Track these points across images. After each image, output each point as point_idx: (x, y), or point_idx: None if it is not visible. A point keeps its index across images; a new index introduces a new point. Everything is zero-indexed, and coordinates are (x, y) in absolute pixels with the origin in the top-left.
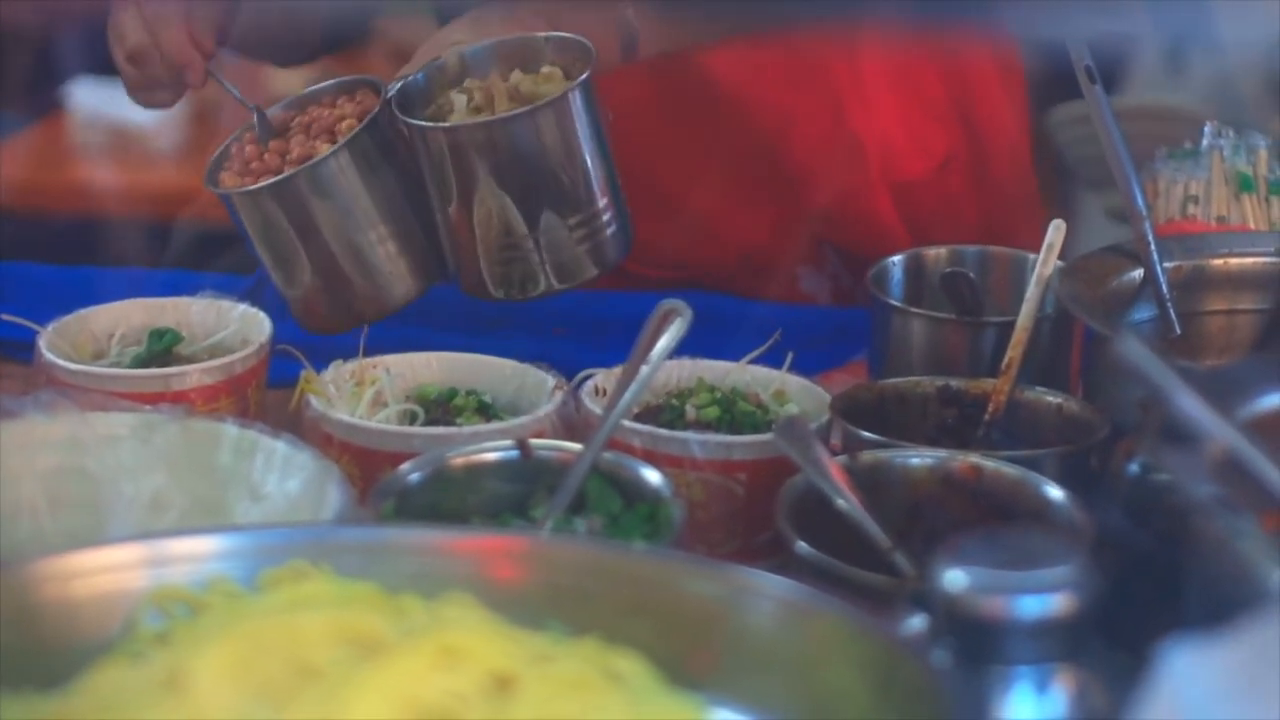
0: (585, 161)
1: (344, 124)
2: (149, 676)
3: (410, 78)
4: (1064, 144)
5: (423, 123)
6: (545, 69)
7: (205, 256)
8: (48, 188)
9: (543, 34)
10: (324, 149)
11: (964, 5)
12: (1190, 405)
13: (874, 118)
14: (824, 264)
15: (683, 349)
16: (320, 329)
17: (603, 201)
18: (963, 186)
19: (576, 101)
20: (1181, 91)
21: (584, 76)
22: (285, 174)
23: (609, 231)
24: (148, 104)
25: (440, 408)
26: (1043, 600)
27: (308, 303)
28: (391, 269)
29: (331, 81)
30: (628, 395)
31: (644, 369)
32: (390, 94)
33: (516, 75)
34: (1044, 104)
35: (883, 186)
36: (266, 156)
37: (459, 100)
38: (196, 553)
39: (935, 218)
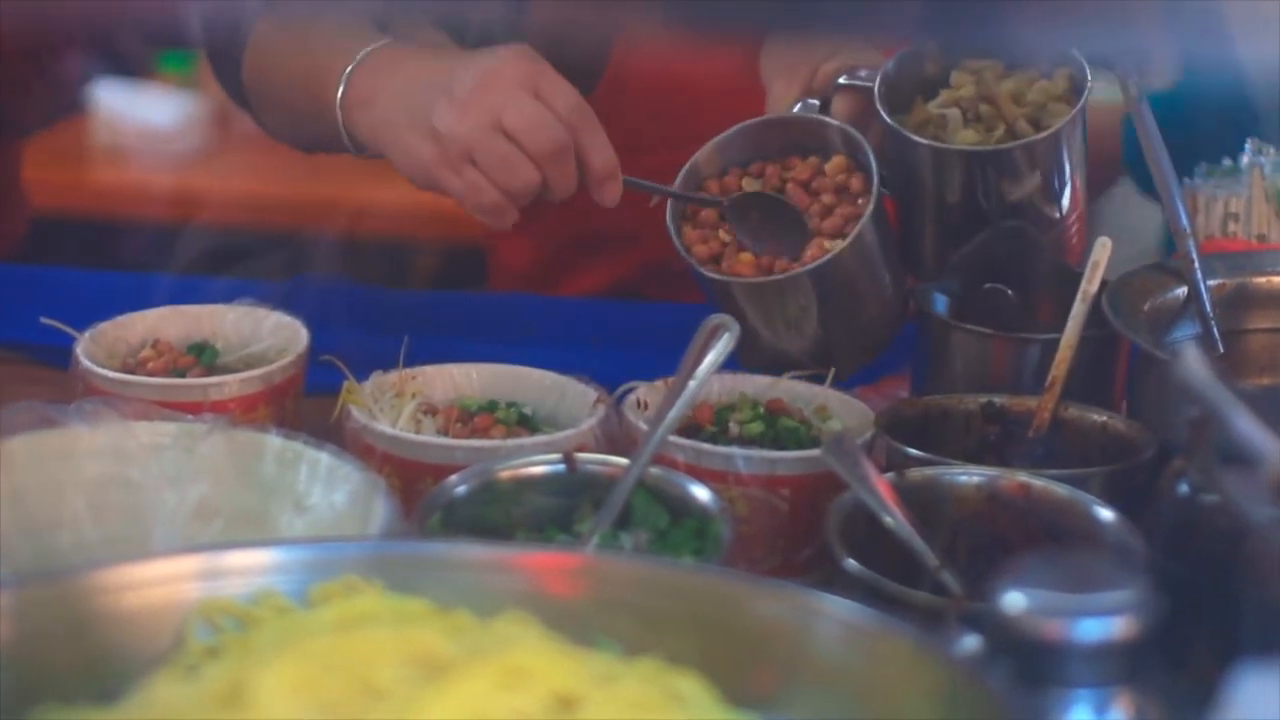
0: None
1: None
2: (207, 691)
3: (882, 80)
4: None
5: (973, 148)
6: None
7: (238, 261)
8: (76, 190)
9: None
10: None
11: (990, 22)
12: (1247, 426)
13: None
14: None
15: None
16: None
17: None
18: None
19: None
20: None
21: (1089, 83)
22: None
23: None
24: (497, 221)
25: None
26: (1103, 623)
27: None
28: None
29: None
30: (674, 410)
31: (691, 384)
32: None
33: (1011, 83)
34: None
35: None
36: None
37: (952, 115)
38: (247, 566)
39: None
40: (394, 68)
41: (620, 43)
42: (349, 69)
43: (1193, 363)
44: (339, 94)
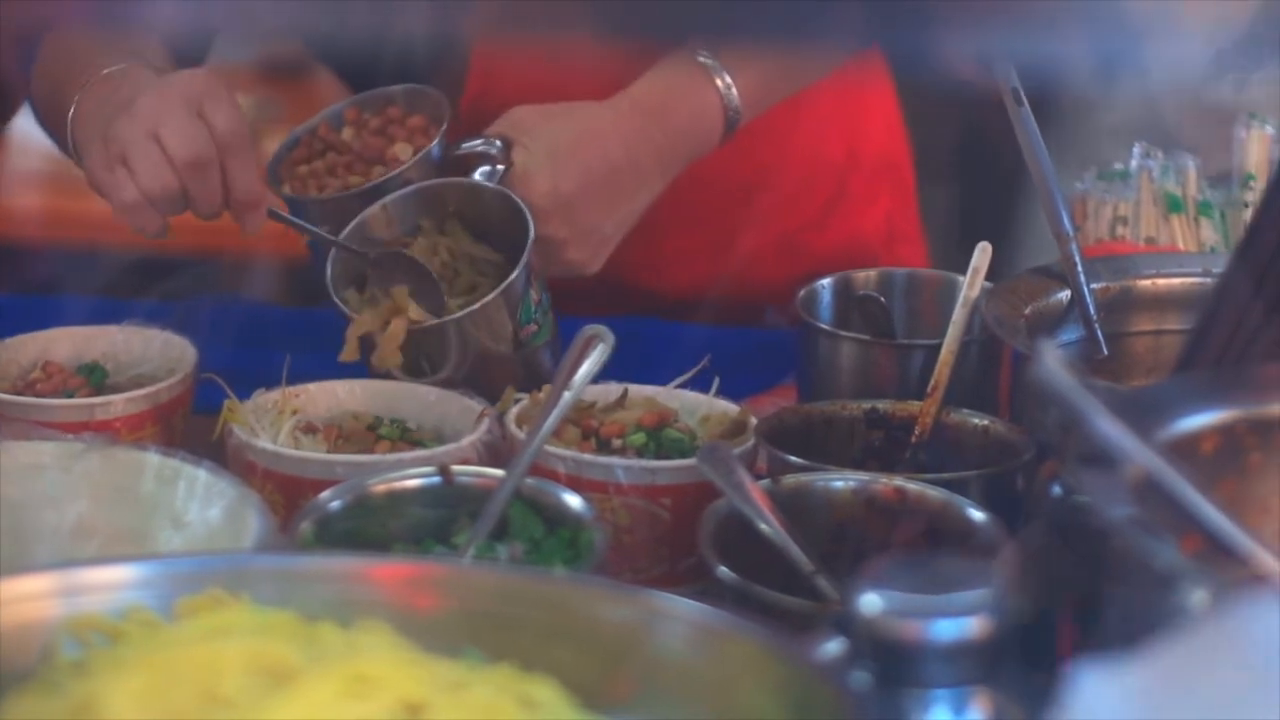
0: None
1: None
2: (61, 706)
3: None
4: None
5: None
6: None
7: (137, 283)
8: None
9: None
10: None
11: (889, 27)
12: (1107, 427)
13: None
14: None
15: (611, 373)
16: None
17: None
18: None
19: None
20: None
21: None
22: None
23: None
24: (138, 222)
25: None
26: (958, 623)
27: None
28: None
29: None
30: (549, 421)
31: (566, 394)
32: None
33: None
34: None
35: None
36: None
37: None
38: (114, 581)
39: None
40: (113, 89)
41: (479, 55)
42: (82, 91)
43: (1052, 364)
44: (70, 114)
